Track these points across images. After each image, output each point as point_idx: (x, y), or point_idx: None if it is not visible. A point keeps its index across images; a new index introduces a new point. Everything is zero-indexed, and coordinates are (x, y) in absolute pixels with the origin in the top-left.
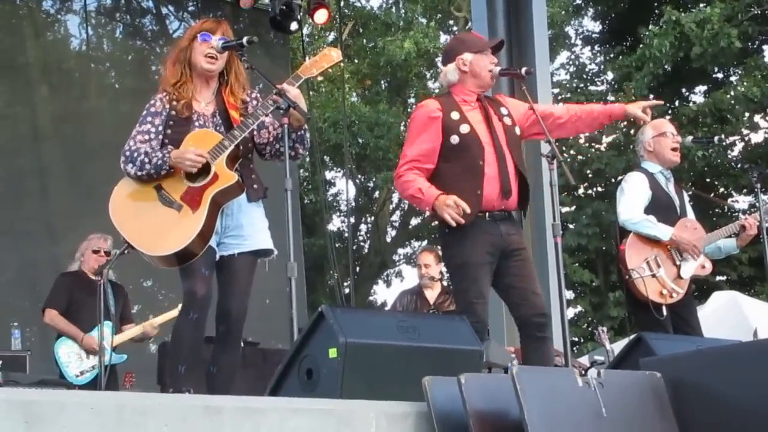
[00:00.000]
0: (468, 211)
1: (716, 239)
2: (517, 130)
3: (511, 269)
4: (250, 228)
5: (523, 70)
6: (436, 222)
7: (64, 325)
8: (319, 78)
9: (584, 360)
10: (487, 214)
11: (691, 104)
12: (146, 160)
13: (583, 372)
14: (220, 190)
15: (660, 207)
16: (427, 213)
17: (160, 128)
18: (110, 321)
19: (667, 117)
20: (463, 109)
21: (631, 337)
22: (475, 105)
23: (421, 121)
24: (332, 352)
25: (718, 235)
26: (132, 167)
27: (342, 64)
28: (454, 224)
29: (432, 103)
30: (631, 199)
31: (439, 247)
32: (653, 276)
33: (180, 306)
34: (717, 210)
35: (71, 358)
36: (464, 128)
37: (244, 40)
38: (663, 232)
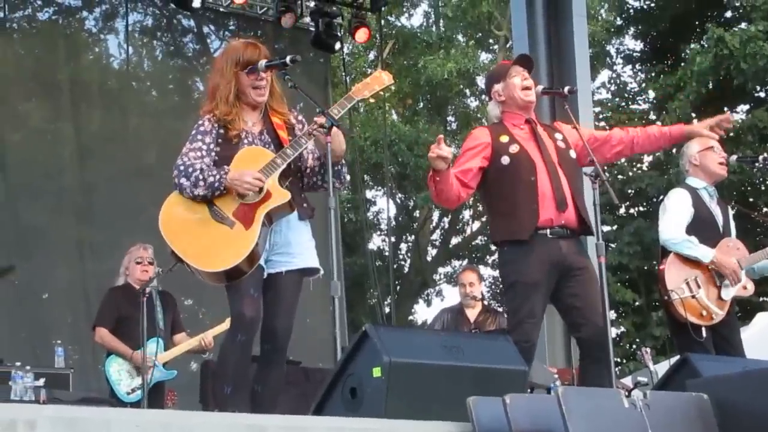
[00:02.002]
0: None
1: (758, 260)
2: (572, 154)
3: (573, 288)
4: (298, 246)
5: (566, 89)
6: (496, 242)
7: (114, 344)
8: None
9: (627, 381)
10: (548, 231)
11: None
12: (201, 177)
13: (627, 393)
14: (273, 208)
15: (702, 225)
16: (468, 229)
17: (212, 146)
18: (158, 336)
19: None
20: (512, 132)
21: (675, 358)
22: (524, 127)
23: (468, 146)
24: (376, 371)
25: (760, 256)
26: (186, 182)
27: None
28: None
29: (482, 130)
30: (674, 217)
31: (480, 267)
32: (693, 297)
33: (229, 319)
34: (758, 229)
35: (122, 375)
36: (513, 148)
37: (288, 59)
38: (704, 254)
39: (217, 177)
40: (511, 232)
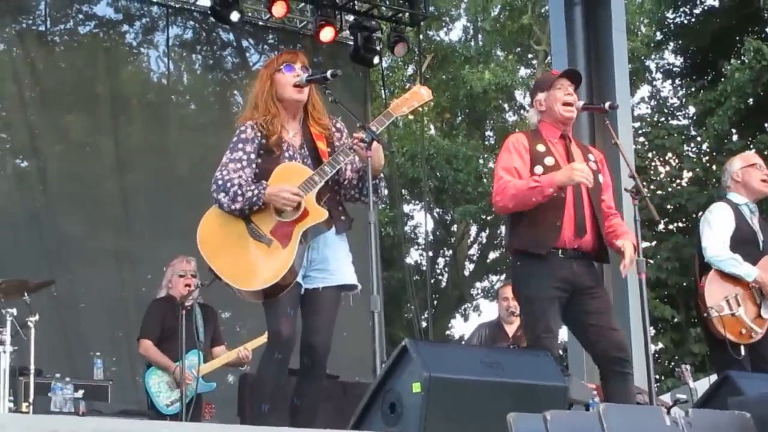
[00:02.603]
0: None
1: None
2: (600, 178)
3: (586, 306)
4: (336, 262)
5: (607, 104)
6: (512, 258)
7: (157, 356)
8: None
9: (666, 398)
10: (560, 251)
11: None
12: (239, 192)
13: (667, 410)
14: (311, 226)
15: (742, 241)
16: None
17: (252, 156)
18: (198, 349)
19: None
20: (548, 143)
21: (716, 375)
22: (558, 141)
23: (510, 147)
24: (416, 387)
25: None
26: (225, 197)
27: None
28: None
29: (519, 134)
30: (718, 234)
31: None
32: (732, 315)
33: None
34: None
35: (161, 387)
36: (549, 160)
37: (328, 73)
38: (748, 272)
39: (256, 192)
40: (532, 244)
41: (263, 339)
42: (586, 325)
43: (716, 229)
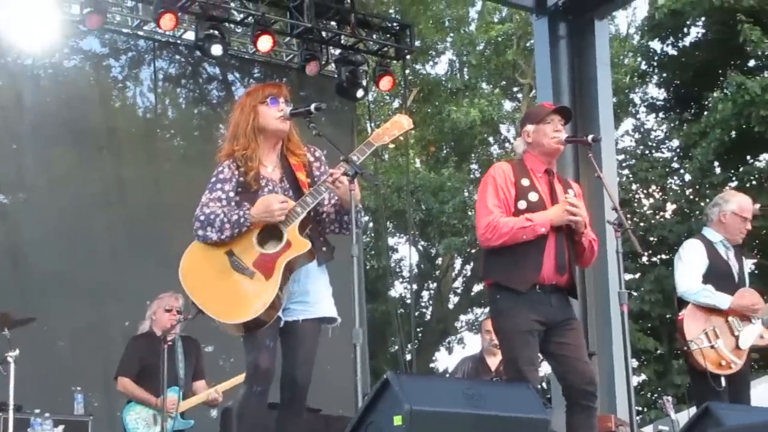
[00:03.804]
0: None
1: None
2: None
3: (561, 338)
4: (316, 295)
5: (590, 137)
6: (488, 291)
7: (138, 392)
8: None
9: (648, 429)
10: (538, 287)
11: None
12: (225, 219)
13: None
14: (294, 257)
15: (717, 275)
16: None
17: (231, 194)
18: (178, 386)
19: (732, 184)
20: (532, 177)
21: (696, 407)
22: (542, 176)
23: (495, 180)
24: (397, 420)
25: None
26: (211, 230)
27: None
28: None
29: (505, 165)
30: (689, 268)
31: None
32: (712, 347)
33: (244, 375)
34: None
35: (138, 424)
36: (533, 196)
37: (312, 107)
38: (722, 301)
39: (241, 214)
40: (512, 280)
41: (236, 380)
42: (558, 356)
43: (688, 264)
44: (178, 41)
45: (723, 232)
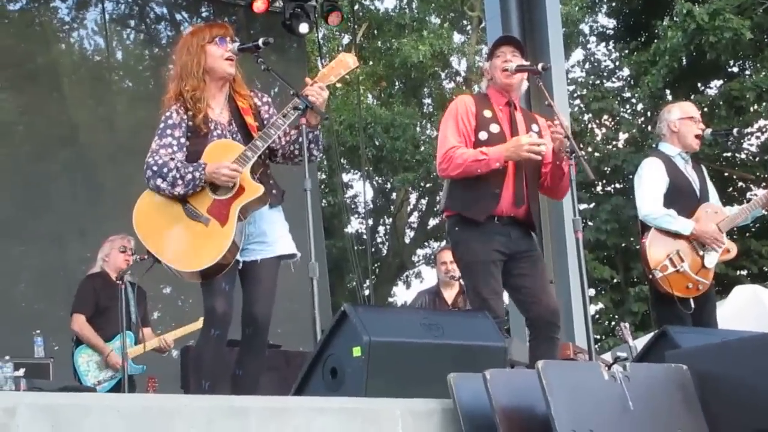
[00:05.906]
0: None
1: (737, 221)
2: (543, 148)
3: (522, 269)
4: (273, 234)
5: (540, 65)
6: (447, 221)
7: (91, 336)
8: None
9: (607, 357)
10: (496, 218)
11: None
12: (178, 176)
13: (608, 367)
14: (247, 202)
15: (679, 193)
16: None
17: (182, 140)
18: (131, 330)
19: None
20: (495, 109)
21: (655, 331)
22: (504, 108)
23: (457, 111)
24: (356, 351)
25: (740, 216)
26: (163, 182)
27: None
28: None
29: (467, 98)
30: (650, 192)
31: None
32: (677, 272)
33: (201, 320)
34: (734, 192)
35: (90, 366)
36: (494, 128)
37: (260, 41)
38: (683, 227)
39: (197, 175)
40: (469, 210)
41: (191, 327)
42: (521, 287)
43: (648, 186)
44: None
45: (678, 143)
